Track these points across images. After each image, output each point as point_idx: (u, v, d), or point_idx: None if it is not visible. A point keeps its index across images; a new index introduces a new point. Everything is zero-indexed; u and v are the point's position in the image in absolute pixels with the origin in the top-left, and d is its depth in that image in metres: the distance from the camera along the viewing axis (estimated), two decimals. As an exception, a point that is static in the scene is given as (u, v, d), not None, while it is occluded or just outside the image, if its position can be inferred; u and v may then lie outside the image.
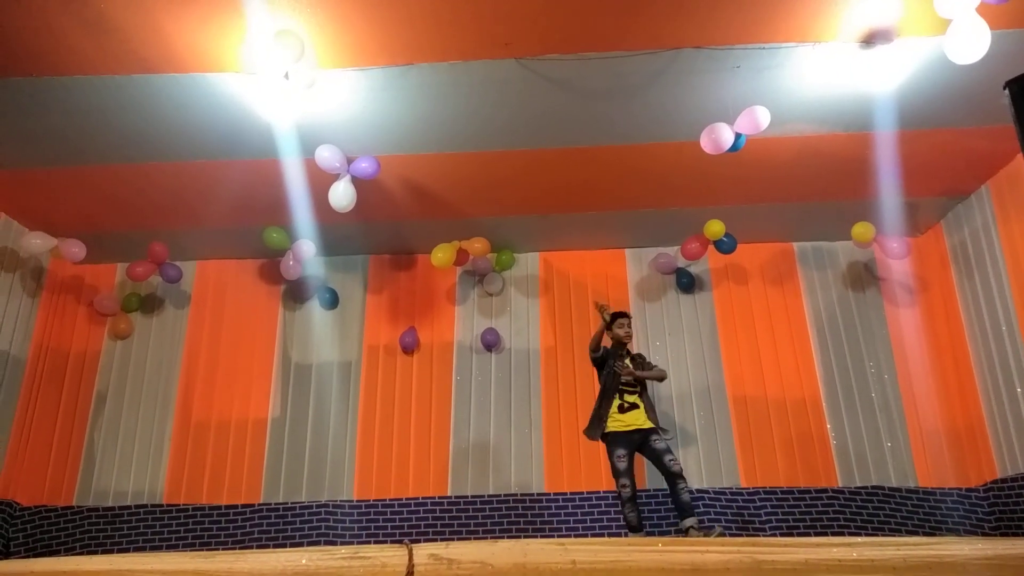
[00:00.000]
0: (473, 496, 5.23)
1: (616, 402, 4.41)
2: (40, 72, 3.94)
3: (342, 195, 4.67)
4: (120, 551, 5.04)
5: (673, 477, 4.19)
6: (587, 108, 4.38)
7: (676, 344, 5.69)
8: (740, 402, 5.47)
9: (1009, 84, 3.27)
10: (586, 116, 4.45)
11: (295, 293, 5.89)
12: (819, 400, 5.47)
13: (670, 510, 5.10)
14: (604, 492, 5.18)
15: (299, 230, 5.32)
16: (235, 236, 5.64)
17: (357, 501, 5.25)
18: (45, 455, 5.38)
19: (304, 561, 1.92)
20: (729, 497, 5.15)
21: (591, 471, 5.28)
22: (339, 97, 4.22)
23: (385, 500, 5.24)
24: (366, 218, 5.32)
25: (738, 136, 4.24)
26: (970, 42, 3.48)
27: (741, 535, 4.95)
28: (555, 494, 5.22)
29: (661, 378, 4.77)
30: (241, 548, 5.07)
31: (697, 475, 5.26)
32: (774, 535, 4.94)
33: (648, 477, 5.23)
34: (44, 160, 4.68)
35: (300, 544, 5.04)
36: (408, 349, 5.69)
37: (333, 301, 5.83)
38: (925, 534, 4.94)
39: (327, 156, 4.51)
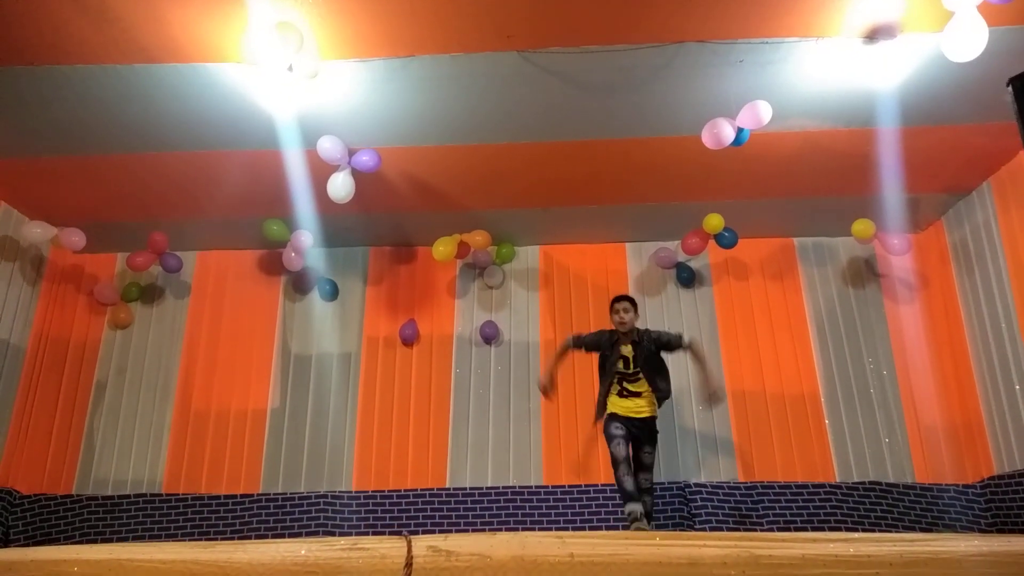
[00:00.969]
0: (471, 488, 5.24)
1: (615, 388, 4.32)
2: (41, 61, 3.92)
3: (340, 186, 4.67)
4: (119, 540, 5.05)
5: (639, 469, 4.19)
6: (589, 101, 4.36)
7: (675, 338, 5.69)
8: (739, 397, 5.48)
9: (1012, 81, 3.26)
10: (588, 109, 4.44)
11: (295, 284, 5.89)
12: (818, 395, 5.48)
13: (668, 503, 5.12)
14: (602, 485, 5.19)
15: (299, 221, 5.32)
16: (235, 227, 5.64)
17: (356, 492, 5.26)
18: (45, 444, 5.39)
19: (303, 552, 1.92)
20: (727, 491, 5.16)
21: (589, 464, 5.29)
22: (340, 88, 4.21)
23: (384, 491, 5.25)
24: (367, 210, 5.32)
25: (741, 130, 4.23)
26: (968, 40, 3.47)
27: (738, 529, 4.96)
28: (553, 486, 5.23)
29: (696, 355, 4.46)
30: (240, 538, 5.09)
31: (695, 469, 5.28)
32: (771, 530, 4.95)
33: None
34: (44, 149, 4.67)
35: (299, 534, 5.06)
36: (408, 341, 5.70)
37: (333, 292, 5.83)
38: (922, 530, 4.96)
39: (328, 147, 4.51)
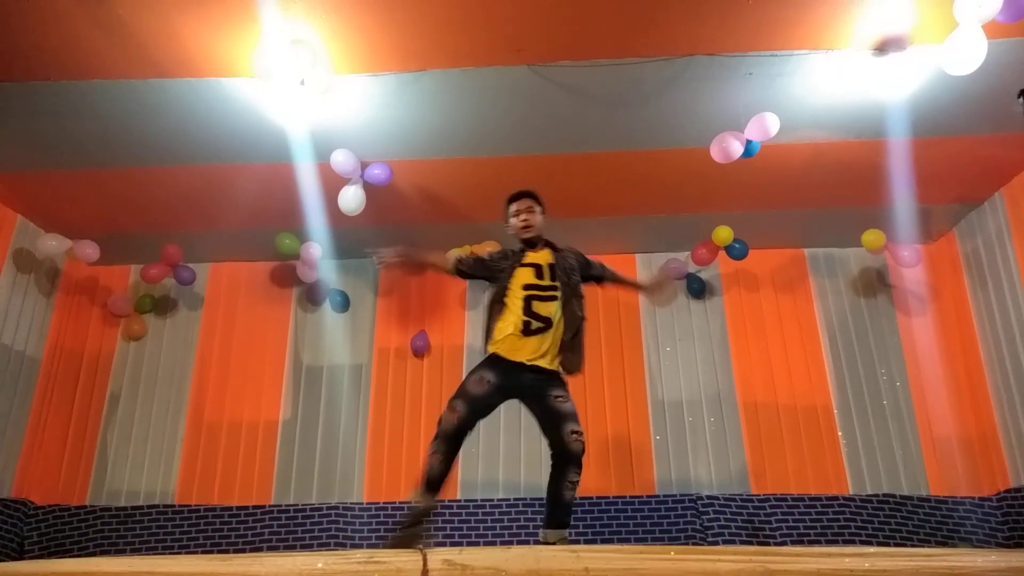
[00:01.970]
0: (483, 500, 5.24)
1: (518, 317, 3.16)
2: (57, 76, 3.99)
3: (351, 199, 4.72)
4: (132, 551, 5.07)
5: (568, 460, 3.09)
6: (599, 114, 4.39)
7: (686, 349, 5.69)
8: (751, 408, 5.46)
9: (1023, 92, 3.26)
10: (598, 122, 4.46)
11: (306, 296, 5.92)
12: (830, 407, 5.45)
13: (680, 516, 5.09)
14: (614, 497, 5.18)
15: (311, 234, 5.36)
16: (248, 239, 5.68)
17: (367, 503, 5.27)
18: (59, 455, 5.43)
19: (320, 565, 1.93)
20: (739, 504, 5.13)
21: (601, 476, 5.28)
22: (352, 102, 4.25)
23: (395, 503, 5.25)
24: (378, 222, 5.35)
25: (750, 142, 4.24)
26: (967, 53, 3.47)
27: (751, 543, 4.93)
28: (564, 499, 5.21)
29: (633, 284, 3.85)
30: (252, 549, 5.10)
31: (707, 482, 5.25)
32: (784, 543, 4.93)
33: (657, 482, 5.24)
34: (61, 163, 4.73)
35: (311, 546, 5.06)
36: (419, 352, 5.71)
37: (344, 304, 5.85)
38: (937, 543, 4.92)
39: (342, 160, 4.55)
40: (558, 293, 3.31)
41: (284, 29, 3.64)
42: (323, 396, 5.64)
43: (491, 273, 3.45)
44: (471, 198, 5.23)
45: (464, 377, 3.29)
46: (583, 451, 3.16)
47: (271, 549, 5.09)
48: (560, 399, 3.20)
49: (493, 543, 5.05)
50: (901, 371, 5.54)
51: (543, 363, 3.24)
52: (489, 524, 5.15)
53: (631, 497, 5.18)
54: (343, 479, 5.37)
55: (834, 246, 5.89)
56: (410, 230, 5.67)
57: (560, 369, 3.30)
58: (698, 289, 5.78)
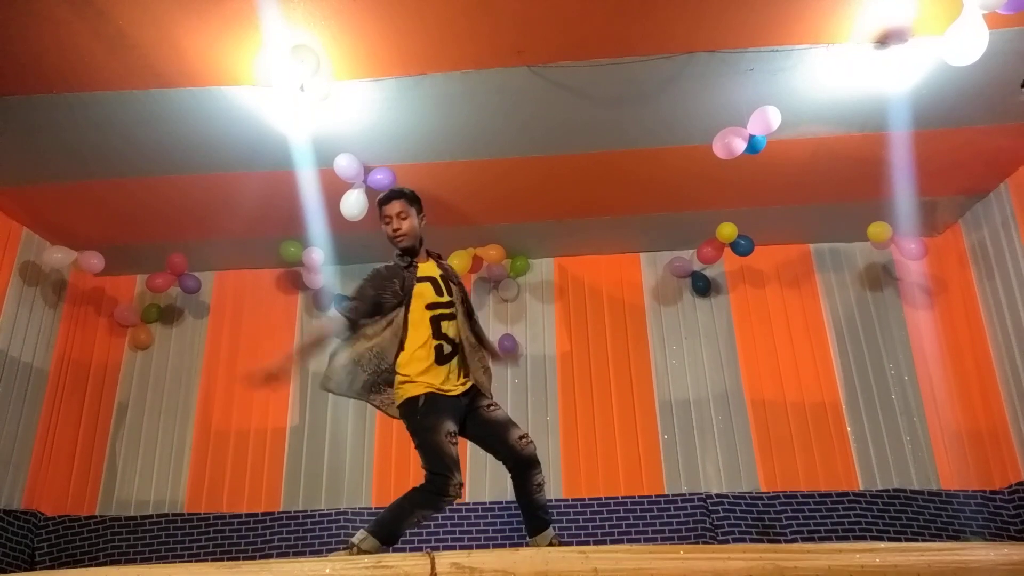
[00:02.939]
0: (491, 503, 5.23)
1: (429, 342, 2.84)
2: (60, 89, 4.00)
3: (353, 204, 4.73)
4: (143, 560, 5.09)
5: (526, 466, 2.88)
6: (600, 114, 4.38)
7: (693, 348, 5.67)
8: (759, 405, 5.44)
9: (1027, 82, 3.25)
10: (599, 122, 4.46)
11: (312, 302, 5.93)
12: (839, 402, 5.43)
13: (689, 515, 5.07)
14: (623, 498, 5.16)
15: (315, 240, 5.36)
16: (252, 246, 5.69)
17: (376, 508, 5.26)
18: (68, 465, 5.45)
19: (328, 570, 1.93)
20: (749, 502, 5.11)
21: (609, 476, 5.27)
22: (354, 108, 4.26)
23: (404, 507, 5.25)
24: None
25: (753, 137, 4.22)
26: (969, 45, 3.45)
27: (761, 540, 4.91)
28: (573, 500, 5.21)
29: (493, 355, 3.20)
30: (262, 556, 5.10)
31: (716, 480, 5.24)
32: (795, 539, 4.90)
33: (665, 481, 5.23)
34: (64, 175, 4.75)
35: (320, 552, 5.06)
36: (424, 356, 5.70)
37: (349, 309, 5.85)
38: (949, 538, 4.89)
39: (345, 165, 4.56)
40: (455, 310, 3.00)
41: (284, 36, 3.65)
42: (330, 402, 5.64)
43: (382, 300, 2.97)
44: (474, 201, 5.23)
45: (424, 432, 2.88)
46: (535, 451, 2.95)
47: (280, 556, 5.10)
48: (492, 407, 2.98)
49: (502, 546, 5.04)
50: (909, 365, 5.51)
51: (463, 388, 2.98)
52: (498, 527, 5.14)
53: (640, 497, 5.16)
54: (351, 484, 5.37)
55: (840, 241, 5.87)
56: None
57: (476, 384, 3.01)
58: (704, 287, 5.77)
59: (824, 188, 5.18)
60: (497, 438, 2.93)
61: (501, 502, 5.22)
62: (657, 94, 4.22)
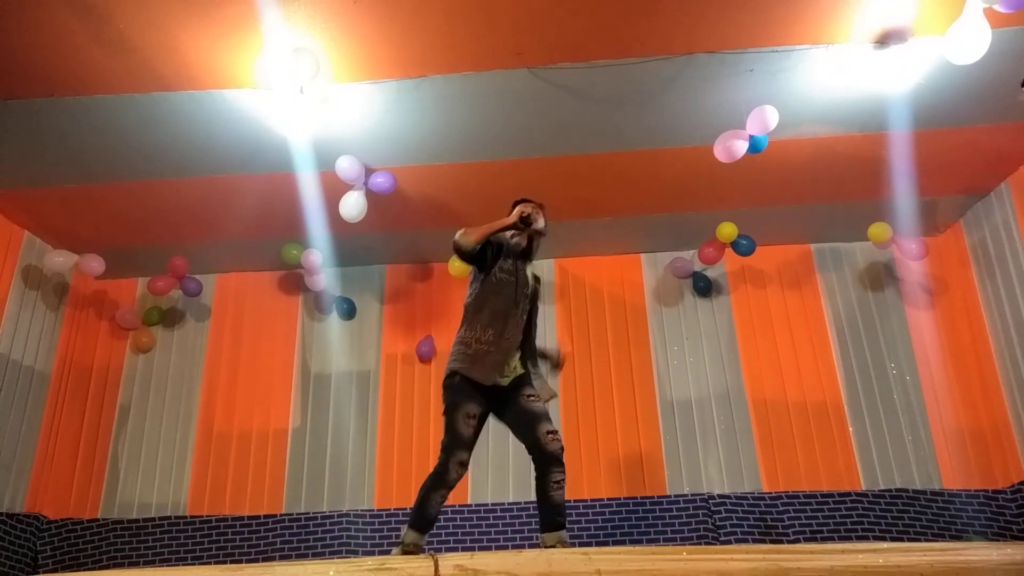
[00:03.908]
0: (493, 504, 5.23)
1: (493, 323, 3.11)
2: (61, 92, 4.01)
3: (352, 205, 4.73)
4: (145, 563, 5.08)
5: (548, 461, 2.99)
6: (600, 115, 4.38)
7: (694, 348, 5.67)
8: (760, 406, 5.44)
9: (1027, 82, 3.25)
10: (599, 123, 4.46)
11: (313, 304, 5.93)
12: (840, 402, 5.42)
13: (692, 516, 5.07)
14: (625, 498, 5.16)
15: (316, 242, 5.37)
16: (253, 249, 5.70)
17: (378, 510, 5.27)
18: (70, 469, 5.45)
19: (331, 573, 1.93)
20: (751, 503, 5.11)
21: (611, 477, 5.27)
22: (354, 110, 4.26)
23: (406, 509, 5.23)
24: (383, 228, 5.36)
25: (754, 137, 4.22)
26: (970, 43, 3.45)
27: (764, 541, 4.91)
28: (575, 500, 5.20)
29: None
30: (264, 558, 5.10)
31: (719, 481, 5.23)
32: (797, 540, 4.90)
33: (668, 482, 5.23)
34: (66, 179, 4.76)
35: (322, 554, 5.06)
36: (425, 358, 5.71)
37: (351, 311, 5.86)
38: (951, 537, 4.88)
39: (346, 167, 4.56)
40: (520, 311, 3.25)
41: (284, 39, 3.66)
42: (331, 403, 5.65)
43: (500, 247, 3.28)
44: (475, 202, 5.22)
45: (449, 412, 3.12)
46: (562, 450, 3.05)
47: (283, 558, 5.10)
48: (532, 398, 3.13)
49: (504, 547, 5.04)
50: (911, 365, 5.51)
51: (514, 374, 3.20)
52: (500, 528, 5.14)
53: (642, 498, 5.16)
54: (353, 486, 5.37)
55: (841, 241, 5.86)
56: (415, 235, 5.68)
57: (527, 369, 3.24)
58: (705, 287, 5.77)
59: (825, 188, 5.18)
60: (527, 428, 3.05)
61: (504, 503, 5.22)
62: (657, 95, 4.22)
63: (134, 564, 5.09)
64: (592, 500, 5.20)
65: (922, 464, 5.23)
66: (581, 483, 5.28)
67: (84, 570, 5.03)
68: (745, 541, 4.89)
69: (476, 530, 5.15)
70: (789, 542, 4.90)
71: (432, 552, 2.32)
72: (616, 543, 5.00)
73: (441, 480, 3.01)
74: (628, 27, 3.75)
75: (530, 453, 3.09)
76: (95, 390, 5.70)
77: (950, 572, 2.07)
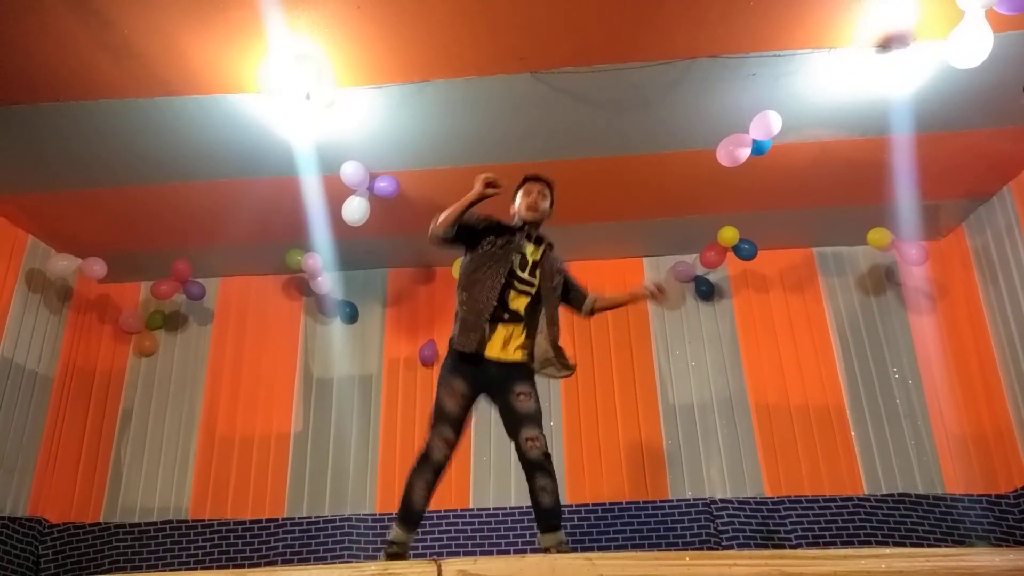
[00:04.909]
0: (495, 508, 5.22)
1: (493, 295, 3.02)
2: (65, 97, 4.03)
3: (355, 209, 4.74)
4: (148, 567, 5.08)
5: (530, 467, 2.91)
6: (603, 119, 4.39)
7: (696, 352, 5.67)
8: (763, 410, 5.43)
9: (1029, 86, 3.25)
10: (602, 127, 4.47)
11: (316, 308, 5.94)
12: (843, 407, 5.42)
13: (694, 520, 5.07)
14: (627, 503, 5.16)
15: (319, 247, 5.38)
16: (257, 253, 5.71)
17: (380, 514, 5.26)
18: (73, 472, 5.45)
19: (334, 578, 1.93)
20: (753, 507, 5.10)
21: (613, 482, 5.26)
22: (357, 115, 4.27)
23: (408, 513, 5.24)
24: (386, 232, 5.37)
25: (757, 142, 4.23)
26: (973, 48, 3.46)
27: (766, 546, 4.90)
28: (577, 505, 5.20)
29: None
30: (267, 563, 5.10)
31: (721, 486, 5.23)
32: (800, 545, 4.89)
33: (670, 487, 5.22)
34: (69, 183, 4.77)
35: (324, 559, 5.06)
36: (428, 362, 5.71)
37: (353, 315, 5.87)
38: (954, 543, 4.87)
39: (351, 172, 4.58)
40: (533, 290, 3.16)
41: (288, 44, 3.67)
42: (334, 408, 5.65)
43: (477, 233, 3.22)
44: (478, 206, 5.22)
45: (437, 386, 3.10)
46: (543, 456, 2.95)
47: (285, 563, 5.10)
48: (523, 397, 3.00)
49: (507, 552, 5.03)
50: (913, 369, 5.50)
51: (507, 357, 3.07)
52: (503, 532, 5.13)
53: (644, 503, 5.16)
54: (355, 490, 5.37)
55: (843, 245, 5.86)
56: (418, 239, 5.67)
57: (526, 361, 3.11)
58: (707, 292, 5.77)
59: (827, 192, 5.19)
60: (511, 430, 3.00)
61: (505, 508, 5.22)
62: (660, 99, 4.23)
63: (136, 568, 5.09)
64: (594, 504, 5.20)
65: (925, 469, 5.22)
66: (583, 487, 5.27)
67: (86, 574, 5.03)
68: (747, 546, 4.88)
69: (478, 535, 5.14)
70: (791, 547, 4.89)
71: (434, 557, 2.32)
72: (618, 548, 4.99)
73: (426, 460, 2.94)
74: (631, 32, 3.76)
75: (516, 453, 3.03)
76: (98, 394, 5.71)
77: (953, 577, 2.07)
